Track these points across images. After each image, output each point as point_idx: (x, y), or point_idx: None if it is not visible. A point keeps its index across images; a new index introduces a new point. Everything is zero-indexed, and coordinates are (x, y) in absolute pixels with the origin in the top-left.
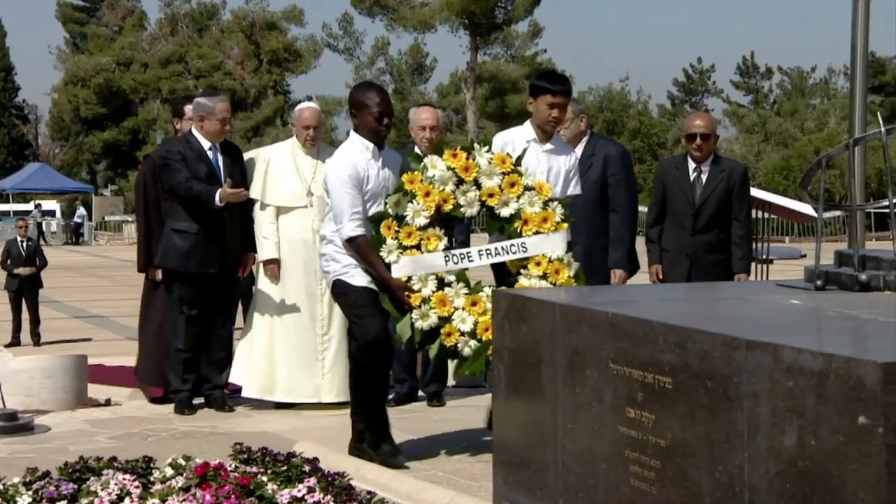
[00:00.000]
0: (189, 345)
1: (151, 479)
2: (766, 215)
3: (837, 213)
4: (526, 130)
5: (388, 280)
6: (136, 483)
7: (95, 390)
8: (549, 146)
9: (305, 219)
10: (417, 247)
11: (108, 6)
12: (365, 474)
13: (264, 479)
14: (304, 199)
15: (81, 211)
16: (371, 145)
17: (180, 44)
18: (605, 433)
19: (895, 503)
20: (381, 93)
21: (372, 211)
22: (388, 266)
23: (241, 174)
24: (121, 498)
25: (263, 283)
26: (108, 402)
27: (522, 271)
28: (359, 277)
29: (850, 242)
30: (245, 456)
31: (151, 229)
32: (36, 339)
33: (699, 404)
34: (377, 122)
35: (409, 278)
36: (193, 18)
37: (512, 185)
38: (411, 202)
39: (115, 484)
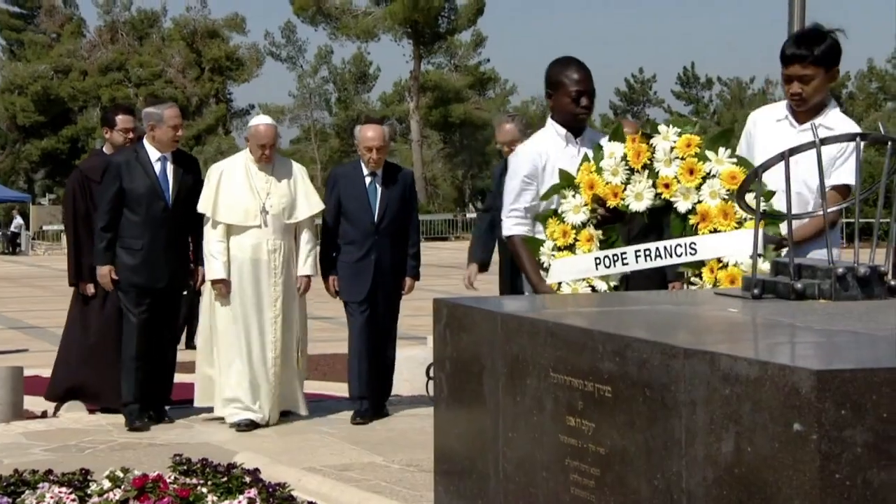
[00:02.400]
0: (140, 355)
1: (88, 491)
2: None
3: None
4: (778, 108)
5: (537, 288)
6: (73, 496)
7: (32, 402)
8: (804, 126)
9: (258, 238)
10: (571, 248)
11: (46, 13)
12: (306, 485)
13: (204, 490)
14: (258, 218)
15: (18, 220)
16: (564, 131)
17: (120, 51)
18: (545, 442)
19: None
20: (582, 69)
21: None
22: (547, 270)
23: (194, 184)
24: None
25: (215, 302)
26: (44, 414)
27: (695, 279)
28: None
29: (787, 251)
30: (185, 467)
31: (82, 243)
32: None
33: (638, 412)
34: (574, 104)
35: (559, 285)
36: (134, 26)
37: (691, 171)
38: (574, 196)
39: (51, 497)
